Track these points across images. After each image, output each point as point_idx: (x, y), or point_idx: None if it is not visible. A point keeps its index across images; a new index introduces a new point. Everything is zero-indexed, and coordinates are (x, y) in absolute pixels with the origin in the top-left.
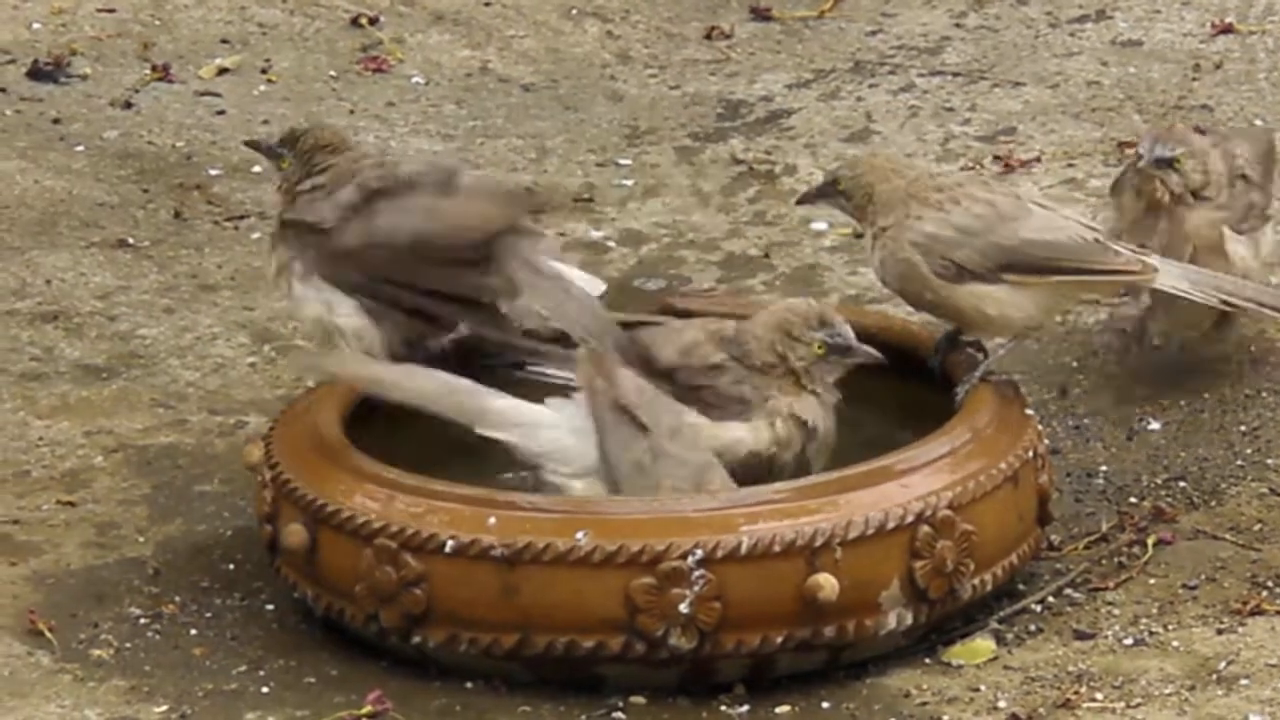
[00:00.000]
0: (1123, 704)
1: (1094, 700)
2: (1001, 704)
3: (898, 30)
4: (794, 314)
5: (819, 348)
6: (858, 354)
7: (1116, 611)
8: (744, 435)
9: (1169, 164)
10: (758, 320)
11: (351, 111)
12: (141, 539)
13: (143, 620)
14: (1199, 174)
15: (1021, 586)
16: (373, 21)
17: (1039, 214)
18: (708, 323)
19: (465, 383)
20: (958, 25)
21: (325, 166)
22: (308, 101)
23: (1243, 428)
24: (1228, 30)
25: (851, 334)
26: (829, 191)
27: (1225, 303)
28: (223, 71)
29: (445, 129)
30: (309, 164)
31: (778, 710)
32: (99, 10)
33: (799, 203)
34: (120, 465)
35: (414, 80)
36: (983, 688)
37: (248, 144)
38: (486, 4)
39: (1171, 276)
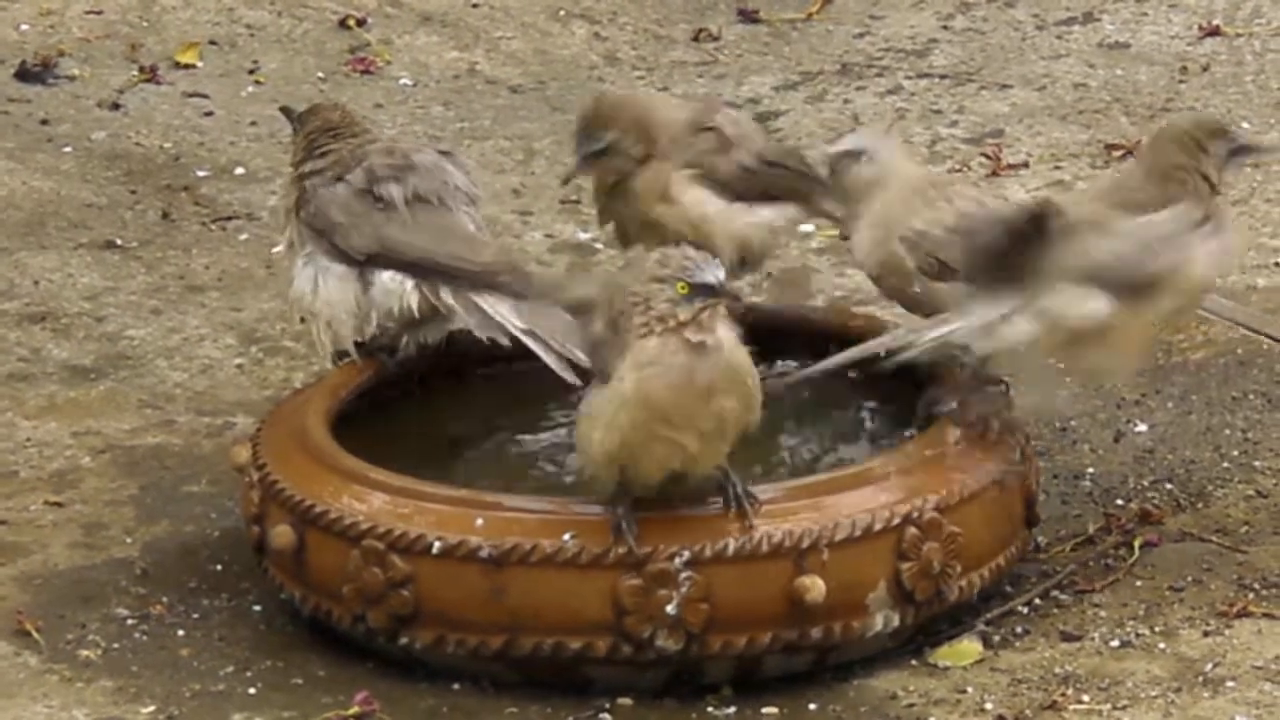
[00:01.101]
0: (1109, 706)
1: (1080, 702)
2: (988, 706)
3: (885, 33)
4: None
5: (681, 288)
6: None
7: (1103, 613)
8: None
9: (599, 155)
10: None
11: None
12: (129, 539)
13: (130, 621)
14: (638, 147)
15: (1008, 588)
16: (360, 23)
17: None
18: None
19: None
20: (945, 28)
21: (325, 151)
22: (295, 103)
23: (1229, 430)
24: (1214, 33)
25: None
26: (848, 162)
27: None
28: (185, 69)
29: (433, 130)
30: (310, 145)
31: (764, 711)
32: (87, 12)
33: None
34: (108, 466)
35: (402, 82)
36: (969, 689)
37: (281, 109)
38: (474, 5)
39: None
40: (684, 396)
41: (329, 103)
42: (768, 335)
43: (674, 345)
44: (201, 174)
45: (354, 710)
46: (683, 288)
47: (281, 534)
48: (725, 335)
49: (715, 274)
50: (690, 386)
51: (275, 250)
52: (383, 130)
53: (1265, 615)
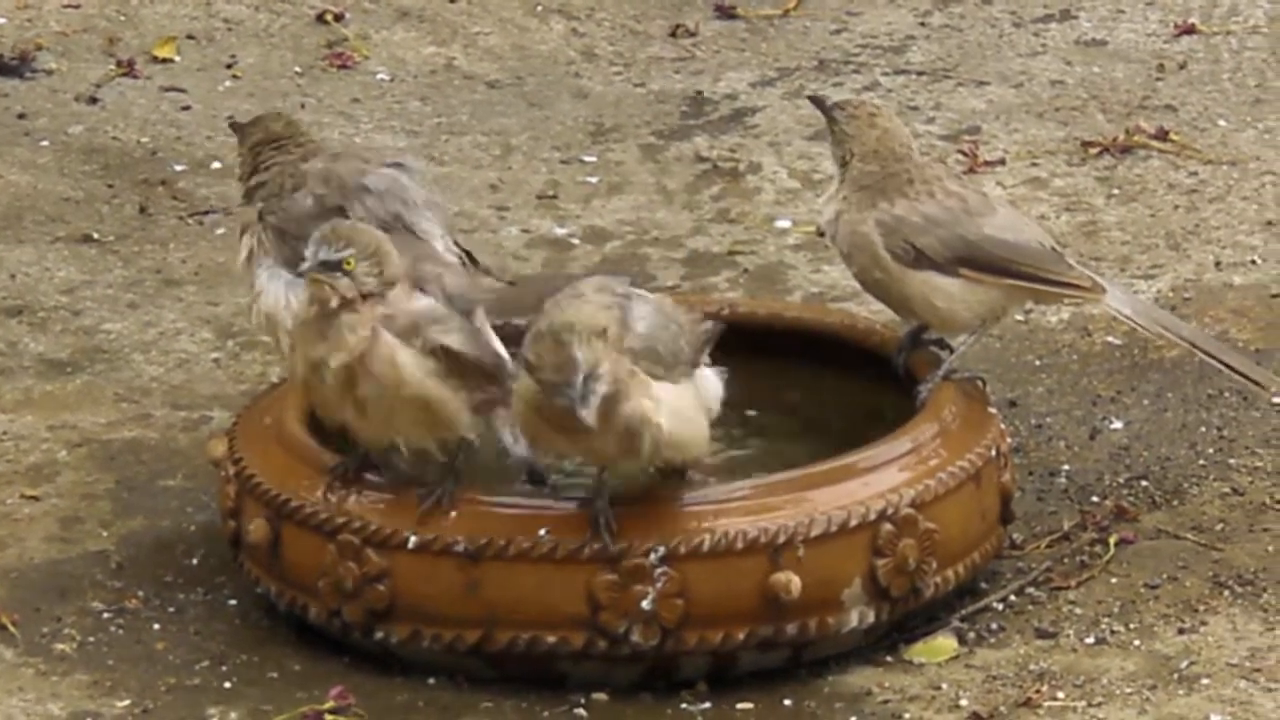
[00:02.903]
0: (1084, 703)
1: (1055, 699)
2: (963, 702)
3: (862, 29)
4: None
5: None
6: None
7: (1078, 610)
8: None
9: (337, 266)
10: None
11: (312, 108)
12: (105, 533)
13: (106, 615)
14: (373, 278)
15: (983, 585)
16: (338, 18)
17: (1004, 213)
18: None
19: None
20: (922, 24)
21: (270, 164)
22: (273, 97)
23: (1205, 427)
24: (1190, 31)
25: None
26: (831, 119)
27: (1162, 336)
28: (167, 61)
29: (410, 125)
30: (256, 159)
31: (739, 707)
32: (64, 5)
33: (810, 97)
34: (84, 460)
35: (379, 77)
36: (944, 686)
37: (230, 124)
38: (452, 1)
39: (1118, 300)
40: (560, 432)
41: (272, 113)
42: (742, 334)
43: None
44: (179, 168)
45: (329, 705)
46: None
47: (257, 528)
48: (609, 391)
49: (575, 390)
50: (565, 429)
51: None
52: (359, 125)
53: (1240, 613)
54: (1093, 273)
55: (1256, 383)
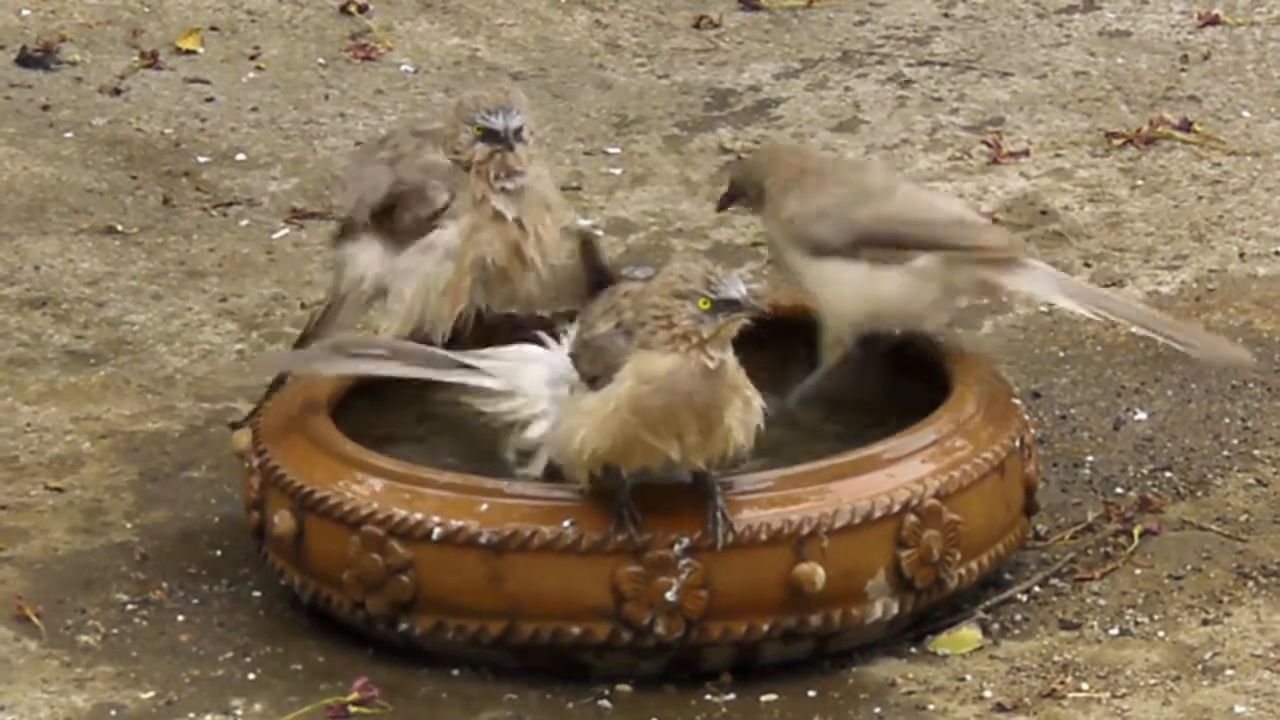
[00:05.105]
0: (1108, 694)
1: (1079, 690)
2: (987, 694)
3: (886, 20)
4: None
5: (704, 303)
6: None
7: (1102, 602)
8: None
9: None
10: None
11: (335, 99)
12: (129, 525)
13: (130, 606)
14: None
15: (1008, 576)
16: (362, 9)
17: (904, 191)
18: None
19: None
20: (946, 15)
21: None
22: (296, 89)
23: (1229, 419)
24: (1214, 22)
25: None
26: (735, 193)
27: (1098, 315)
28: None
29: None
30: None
31: (763, 699)
32: None
33: (719, 209)
34: (108, 451)
35: (403, 68)
36: (968, 677)
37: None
38: None
39: (1033, 274)
40: (678, 414)
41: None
42: (766, 324)
43: (682, 365)
44: (202, 160)
45: (353, 696)
46: (704, 303)
47: (281, 520)
48: (729, 358)
49: (739, 288)
50: (687, 407)
51: (275, 236)
52: (383, 117)
53: (1264, 604)
54: (1013, 240)
55: (1183, 344)
